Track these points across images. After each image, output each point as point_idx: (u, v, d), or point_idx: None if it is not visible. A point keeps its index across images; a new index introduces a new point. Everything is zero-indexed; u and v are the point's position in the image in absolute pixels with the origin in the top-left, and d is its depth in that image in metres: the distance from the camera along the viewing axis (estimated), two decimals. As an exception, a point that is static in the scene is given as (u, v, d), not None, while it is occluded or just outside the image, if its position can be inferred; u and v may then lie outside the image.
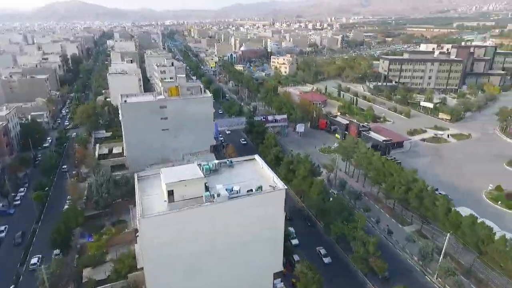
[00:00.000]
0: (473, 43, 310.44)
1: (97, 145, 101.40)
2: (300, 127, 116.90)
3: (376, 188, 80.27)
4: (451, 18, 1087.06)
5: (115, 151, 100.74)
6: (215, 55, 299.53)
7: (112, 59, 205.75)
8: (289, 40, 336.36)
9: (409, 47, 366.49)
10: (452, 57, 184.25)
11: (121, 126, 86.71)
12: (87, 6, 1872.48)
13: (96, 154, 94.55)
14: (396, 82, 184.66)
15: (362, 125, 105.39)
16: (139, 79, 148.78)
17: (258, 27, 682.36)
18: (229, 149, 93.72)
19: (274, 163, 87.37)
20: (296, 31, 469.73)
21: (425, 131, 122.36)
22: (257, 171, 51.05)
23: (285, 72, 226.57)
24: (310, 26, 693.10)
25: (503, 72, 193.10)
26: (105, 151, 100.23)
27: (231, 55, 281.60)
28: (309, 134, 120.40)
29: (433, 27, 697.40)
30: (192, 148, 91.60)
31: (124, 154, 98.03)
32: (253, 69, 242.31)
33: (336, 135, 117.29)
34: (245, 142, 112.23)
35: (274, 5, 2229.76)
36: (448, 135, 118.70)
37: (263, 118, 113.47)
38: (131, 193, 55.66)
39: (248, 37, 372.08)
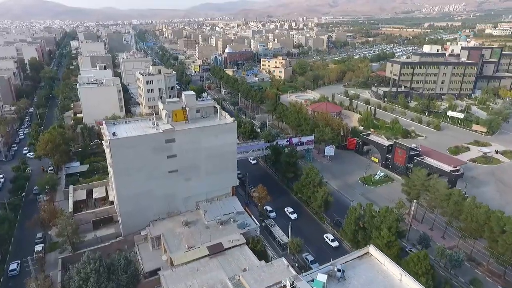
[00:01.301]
0: (459, 44, 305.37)
1: (71, 187, 74.15)
2: (330, 150, 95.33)
3: (467, 243, 60.30)
4: (418, 18, 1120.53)
5: (96, 194, 74.29)
6: (197, 58, 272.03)
7: (81, 65, 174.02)
8: (274, 41, 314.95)
9: (400, 47, 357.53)
10: (463, 59, 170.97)
11: (100, 152, 60.77)
12: (45, 4, 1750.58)
13: (70, 204, 67.52)
14: (406, 87, 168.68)
15: (411, 148, 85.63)
16: (118, 91, 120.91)
17: (234, 26, 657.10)
18: (259, 190, 69.90)
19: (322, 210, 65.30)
20: (277, 31, 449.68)
21: (468, 149, 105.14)
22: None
23: (280, 76, 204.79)
24: (286, 26, 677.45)
25: (511, 75, 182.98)
26: (82, 195, 73.20)
27: (216, 57, 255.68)
28: (338, 157, 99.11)
29: (405, 27, 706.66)
30: (209, 193, 67.19)
31: (110, 198, 72.06)
32: (242, 74, 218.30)
33: (373, 158, 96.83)
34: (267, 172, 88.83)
35: (244, 5, 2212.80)
36: (496, 152, 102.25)
37: (287, 141, 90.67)
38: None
39: (232, 38, 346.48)
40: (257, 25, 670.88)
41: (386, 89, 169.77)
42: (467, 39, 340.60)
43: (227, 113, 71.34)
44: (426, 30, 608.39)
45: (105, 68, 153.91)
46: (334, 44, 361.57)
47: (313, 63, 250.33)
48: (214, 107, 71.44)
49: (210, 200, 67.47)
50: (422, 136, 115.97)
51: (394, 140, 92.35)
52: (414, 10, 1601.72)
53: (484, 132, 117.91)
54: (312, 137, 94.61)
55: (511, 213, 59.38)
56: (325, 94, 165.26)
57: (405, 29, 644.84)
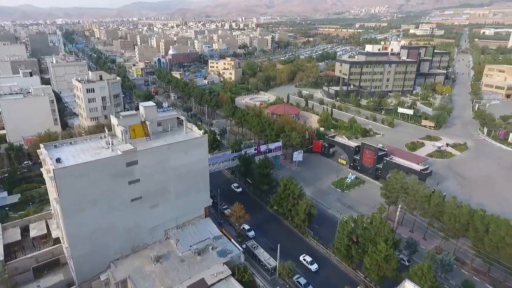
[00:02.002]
0: (392, 43, 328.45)
1: (-1, 225, 59.48)
2: (298, 155, 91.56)
3: (449, 243, 60.34)
4: (349, 19, 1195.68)
5: (34, 232, 61.19)
6: (138, 61, 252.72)
7: (0, 72, 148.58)
8: (219, 41, 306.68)
9: (337, 46, 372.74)
10: (403, 58, 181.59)
11: (33, 177, 48.83)
12: None
13: (0, 250, 53.68)
14: (355, 85, 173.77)
15: (380, 149, 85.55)
16: (51, 101, 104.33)
17: (173, 26, 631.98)
18: (236, 209, 62.88)
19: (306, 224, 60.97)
20: (220, 31, 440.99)
21: (423, 144, 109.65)
22: None
23: (231, 78, 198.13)
24: (227, 26, 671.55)
25: (444, 71, 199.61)
26: (15, 235, 59.23)
27: (159, 59, 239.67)
28: (305, 161, 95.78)
29: (339, 27, 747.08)
30: (180, 218, 58.55)
31: (54, 235, 59.21)
32: (190, 76, 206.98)
33: (341, 160, 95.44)
34: (239, 188, 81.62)
35: (180, 4, 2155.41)
36: (447, 145, 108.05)
37: (255, 149, 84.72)
38: None
39: (174, 39, 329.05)
40: (197, 25, 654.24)
41: (337, 88, 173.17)
42: (398, 39, 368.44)
43: (193, 125, 63.09)
44: (359, 30, 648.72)
45: (31, 75, 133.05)
46: (278, 44, 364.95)
47: (261, 64, 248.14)
48: (178, 118, 62.77)
49: (181, 226, 58.79)
50: (380, 134, 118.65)
51: (362, 141, 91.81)
52: (344, 11, 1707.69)
53: (432, 127, 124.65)
54: (280, 143, 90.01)
55: (476, 206, 60.90)
56: (278, 95, 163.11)
57: (340, 29, 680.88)
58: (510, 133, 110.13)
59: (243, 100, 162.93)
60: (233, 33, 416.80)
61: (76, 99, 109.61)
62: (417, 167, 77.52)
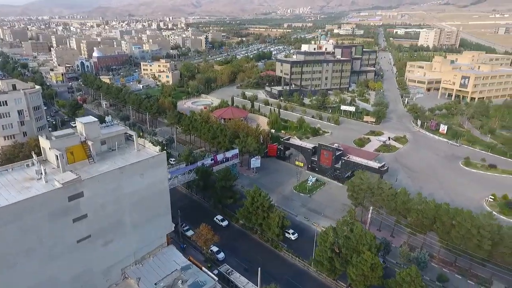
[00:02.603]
0: (322, 42, 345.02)
1: None
2: (256, 162, 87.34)
3: (415, 238, 61.77)
4: (276, 19, 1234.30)
5: None
6: (56, 65, 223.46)
7: None
8: (150, 42, 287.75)
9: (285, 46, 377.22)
10: (338, 57, 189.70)
11: None
12: None
13: None
14: (296, 85, 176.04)
15: (337, 149, 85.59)
16: None
17: (93, 26, 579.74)
18: (204, 231, 56.00)
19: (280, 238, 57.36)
20: (148, 32, 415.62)
21: (369, 140, 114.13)
22: None
23: (169, 81, 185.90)
24: (154, 26, 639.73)
25: (374, 68, 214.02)
26: None
27: (82, 63, 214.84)
28: (262, 167, 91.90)
29: (269, 27, 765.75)
30: (139, 252, 50.00)
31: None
32: (121, 81, 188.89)
33: (298, 163, 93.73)
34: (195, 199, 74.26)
35: (98, 2, 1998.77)
36: (389, 138, 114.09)
37: (212, 159, 78.06)
38: None
39: (98, 40, 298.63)
40: (122, 25, 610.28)
41: (280, 88, 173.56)
42: (326, 38, 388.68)
43: (146, 140, 54.46)
44: (288, 30, 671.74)
45: None
46: (212, 45, 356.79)
47: (198, 65, 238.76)
48: (126, 133, 53.58)
49: (141, 261, 50.13)
50: (328, 132, 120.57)
51: (318, 142, 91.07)
52: (271, 11, 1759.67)
53: (373, 122, 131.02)
54: (236, 151, 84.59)
55: (429, 198, 63.46)
56: (221, 97, 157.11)
57: (270, 29, 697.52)
58: (441, 124, 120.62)
59: (185, 105, 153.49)
60: (164, 33, 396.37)
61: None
62: (375, 164, 79.02)
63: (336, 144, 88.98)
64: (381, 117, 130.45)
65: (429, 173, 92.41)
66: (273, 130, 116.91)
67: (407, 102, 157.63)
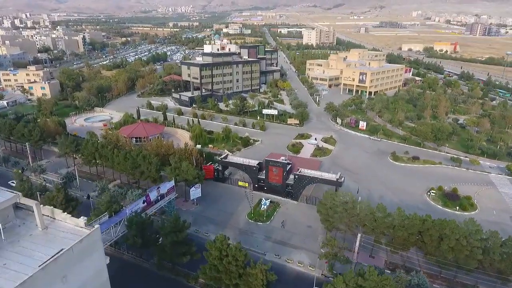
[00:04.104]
0: (216, 42, 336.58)
1: None
2: (196, 192, 71.20)
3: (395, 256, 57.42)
4: (158, 18, 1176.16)
5: None
6: None
7: None
8: (6, 44, 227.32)
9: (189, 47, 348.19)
10: (245, 57, 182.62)
11: None
12: None
13: None
14: (206, 89, 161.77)
15: (288, 163, 76.10)
16: None
17: None
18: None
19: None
20: (2, 32, 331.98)
21: (301, 145, 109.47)
22: None
23: (46, 94, 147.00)
24: (7, 24, 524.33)
25: (279, 68, 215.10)
26: None
27: None
28: (202, 195, 76.09)
29: (153, 26, 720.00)
30: None
31: None
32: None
33: (240, 183, 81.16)
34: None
35: None
36: (315, 139, 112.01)
37: (144, 201, 58.71)
38: None
39: None
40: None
41: (190, 94, 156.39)
42: (220, 38, 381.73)
43: (54, 208, 33.72)
44: (175, 30, 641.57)
45: None
46: (92, 46, 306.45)
47: (79, 71, 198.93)
48: (17, 203, 32.00)
49: None
50: (258, 140, 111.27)
51: (265, 158, 79.87)
52: (151, 10, 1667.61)
53: (298, 124, 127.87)
54: (172, 183, 66.77)
55: (380, 201, 61.58)
56: (121, 110, 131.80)
57: (156, 28, 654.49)
58: (360, 121, 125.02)
59: (76, 123, 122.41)
60: (24, 33, 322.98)
61: None
62: (332, 176, 72.61)
63: (282, 158, 79.63)
64: (304, 118, 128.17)
65: (367, 173, 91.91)
66: (199, 146, 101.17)
67: (319, 100, 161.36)
